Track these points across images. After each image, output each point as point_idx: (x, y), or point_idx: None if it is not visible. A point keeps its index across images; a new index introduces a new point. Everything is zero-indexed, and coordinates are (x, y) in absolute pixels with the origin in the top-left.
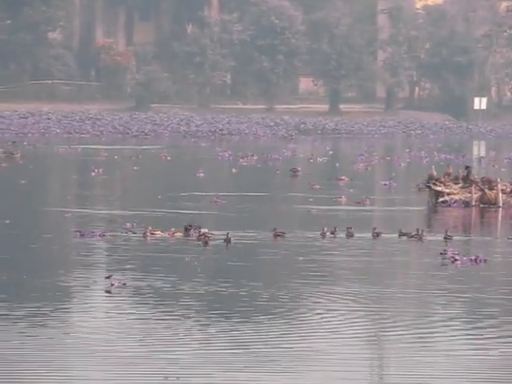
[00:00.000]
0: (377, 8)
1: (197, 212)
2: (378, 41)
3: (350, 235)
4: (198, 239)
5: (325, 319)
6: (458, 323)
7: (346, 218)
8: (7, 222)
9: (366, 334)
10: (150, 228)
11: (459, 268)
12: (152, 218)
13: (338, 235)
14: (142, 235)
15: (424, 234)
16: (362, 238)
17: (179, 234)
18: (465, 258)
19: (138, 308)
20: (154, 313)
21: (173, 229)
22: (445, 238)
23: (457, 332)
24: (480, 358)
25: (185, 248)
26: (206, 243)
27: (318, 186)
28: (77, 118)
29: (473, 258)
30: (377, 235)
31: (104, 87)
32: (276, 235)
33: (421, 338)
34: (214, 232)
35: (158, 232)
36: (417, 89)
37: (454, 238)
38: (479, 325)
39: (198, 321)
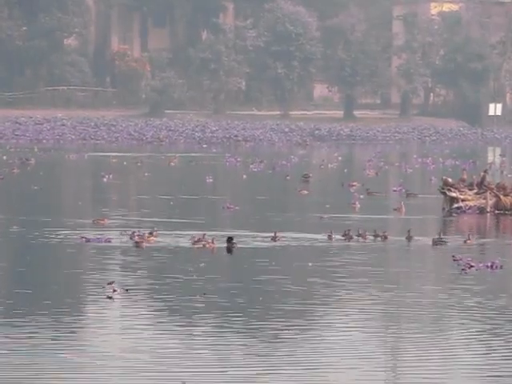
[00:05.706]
0: (392, 14)
1: (210, 218)
2: (392, 47)
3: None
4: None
5: (341, 330)
6: (476, 334)
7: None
8: (15, 227)
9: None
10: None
11: (475, 274)
12: (164, 224)
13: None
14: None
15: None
16: (373, 244)
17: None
18: (481, 265)
19: (143, 315)
20: (161, 321)
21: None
22: (436, 241)
23: (476, 346)
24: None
25: (189, 254)
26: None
27: (306, 192)
28: (92, 124)
29: (489, 264)
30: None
31: (119, 93)
32: (272, 239)
33: (439, 349)
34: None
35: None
36: (431, 95)
37: (473, 243)
38: (498, 331)
39: (206, 329)
